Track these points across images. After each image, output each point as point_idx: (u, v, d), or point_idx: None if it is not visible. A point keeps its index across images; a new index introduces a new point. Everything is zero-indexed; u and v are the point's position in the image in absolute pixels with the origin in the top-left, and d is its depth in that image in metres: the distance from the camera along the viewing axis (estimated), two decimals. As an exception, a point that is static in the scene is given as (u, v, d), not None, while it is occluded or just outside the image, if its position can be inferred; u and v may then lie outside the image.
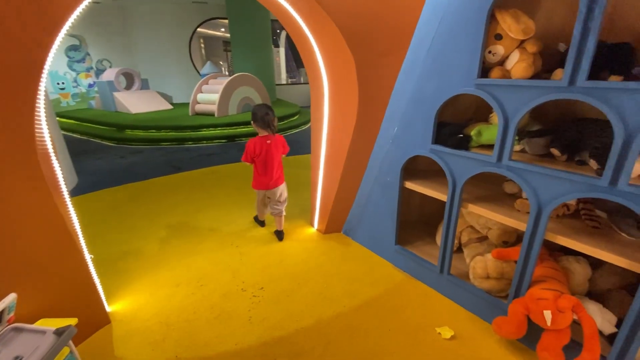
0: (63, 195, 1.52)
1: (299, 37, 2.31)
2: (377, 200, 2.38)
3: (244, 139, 6.20)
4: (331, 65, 2.23)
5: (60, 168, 1.52)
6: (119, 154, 5.44)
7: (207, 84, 7.49)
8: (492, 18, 1.50)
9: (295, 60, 15.81)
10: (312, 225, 2.91)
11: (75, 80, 8.85)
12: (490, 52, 1.55)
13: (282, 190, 2.65)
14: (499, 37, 1.51)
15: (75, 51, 8.65)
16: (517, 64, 1.47)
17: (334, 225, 2.75)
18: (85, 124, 7.40)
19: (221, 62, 17.22)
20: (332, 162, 2.54)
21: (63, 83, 8.55)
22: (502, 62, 1.57)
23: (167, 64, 9.45)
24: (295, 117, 7.73)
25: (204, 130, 6.25)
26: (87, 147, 5.99)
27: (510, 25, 1.44)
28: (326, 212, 2.69)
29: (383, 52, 2.05)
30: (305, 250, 2.56)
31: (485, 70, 1.58)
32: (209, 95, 7.13)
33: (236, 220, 3.03)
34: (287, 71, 15.70)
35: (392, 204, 2.21)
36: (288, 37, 14.95)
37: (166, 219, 3.08)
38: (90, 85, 9.03)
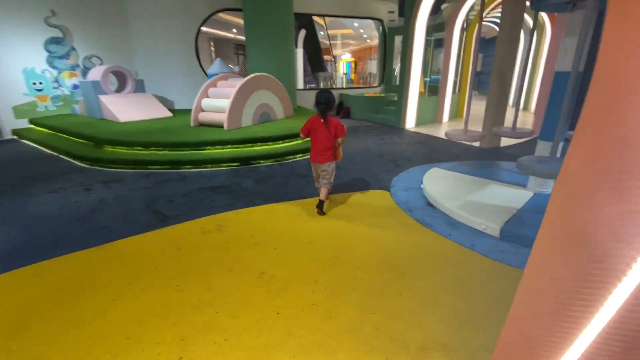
0: None
1: None
2: None
3: (262, 162, 4.51)
4: None
5: None
6: (86, 183, 3.79)
7: (214, 86, 5.86)
8: None
9: (311, 62, 14.27)
10: None
11: (56, 80, 7.32)
12: None
13: (326, 167, 2.91)
14: None
15: (57, 45, 7.13)
16: None
17: None
18: (61, 134, 5.82)
19: (232, 66, 15.77)
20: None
21: (41, 83, 7.02)
22: None
23: (170, 63, 7.91)
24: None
25: (209, 149, 4.59)
26: (50, 169, 4.37)
27: None
28: None
29: None
30: None
31: None
32: (217, 101, 5.49)
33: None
34: (305, 75, 14.14)
35: None
36: (305, 37, 13.38)
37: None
38: (75, 87, 7.49)
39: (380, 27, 10.85)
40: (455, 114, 8.75)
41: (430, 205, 3.07)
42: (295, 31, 12.91)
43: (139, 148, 4.58)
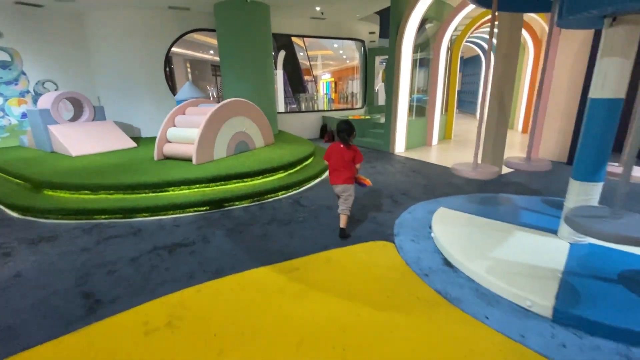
0: None
1: None
2: None
3: (237, 203, 3.80)
4: None
5: None
6: (7, 244, 2.94)
7: (183, 114, 5.17)
8: None
9: (291, 84, 13.86)
10: None
11: (2, 109, 6.41)
12: None
13: (344, 189, 2.96)
14: None
15: (3, 69, 6.27)
16: None
17: None
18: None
19: (210, 87, 15.17)
20: None
21: (-19, 112, 6.10)
22: None
23: (136, 87, 7.17)
24: (309, 160, 5.42)
25: (172, 190, 3.84)
26: (-34, 222, 3.47)
27: None
28: None
29: None
30: None
31: None
32: (184, 131, 4.79)
33: None
34: (286, 96, 13.69)
35: None
36: (285, 58, 13.00)
37: None
38: (23, 115, 6.59)
39: (362, 48, 10.59)
40: (443, 136, 8.39)
41: (448, 264, 2.45)
42: (274, 52, 12.54)
43: (86, 192, 3.78)
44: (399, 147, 6.85)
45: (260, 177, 4.28)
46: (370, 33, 10.58)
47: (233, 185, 4.07)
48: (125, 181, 3.80)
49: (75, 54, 7.08)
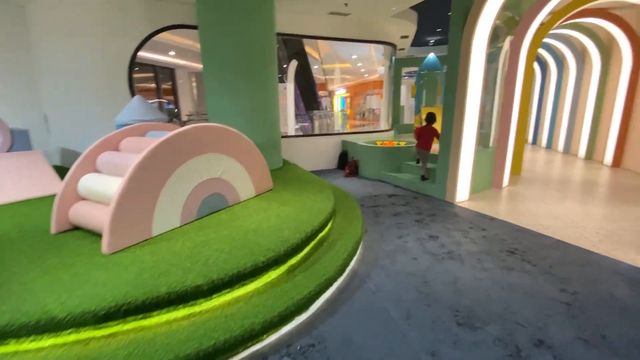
0: None
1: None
2: None
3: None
4: None
5: None
6: None
7: (116, 149, 3.07)
8: None
9: (304, 99, 11.83)
10: None
11: None
12: None
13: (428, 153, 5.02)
14: None
15: None
16: None
17: None
18: None
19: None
20: None
21: None
22: None
23: (92, 102, 5.23)
24: (326, 229, 3.17)
25: (26, 344, 1.67)
26: None
27: None
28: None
29: None
30: None
31: None
32: (107, 182, 2.66)
33: None
34: (298, 113, 11.67)
35: None
36: (297, 70, 11.04)
37: None
38: None
39: (392, 56, 8.49)
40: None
41: None
42: (284, 62, 10.62)
43: None
44: (462, 193, 4.56)
45: (227, 291, 2.06)
46: (403, 37, 8.51)
47: (163, 328, 1.85)
48: None
49: (13, 59, 5.20)
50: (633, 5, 5.97)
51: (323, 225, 2.96)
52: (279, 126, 5.38)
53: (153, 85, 9.32)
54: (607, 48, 7.09)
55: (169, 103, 10.30)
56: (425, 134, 4.99)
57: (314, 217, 2.93)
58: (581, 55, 7.98)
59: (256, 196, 3.61)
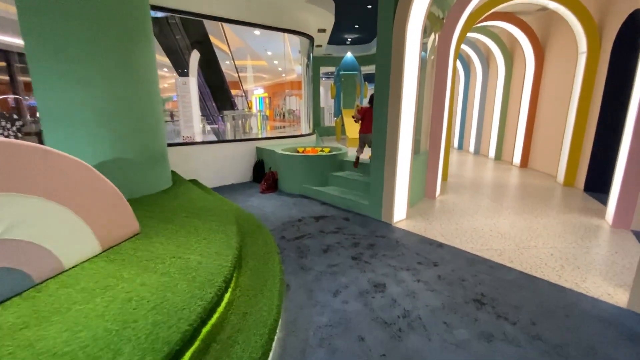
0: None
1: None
2: None
3: None
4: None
5: None
6: None
7: None
8: None
9: (215, 97, 10.25)
10: None
11: None
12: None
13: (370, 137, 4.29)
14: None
15: None
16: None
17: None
18: None
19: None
20: None
21: None
22: None
23: None
24: (216, 316, 1.98)
25: None
26: None
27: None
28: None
29: None
30: None
31: None
32: None
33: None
34: (208, 113, 9.96)
35: None
36: (202, 64, 9.39)
37: None
38: None
39: (309, 52, 7.59)
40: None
41: None
42: (186, 51, 8.84)
43: None
44: (399, 211, 3.82)
45: None
46: (320, 31, 7.69)
47: None
48: None
49: None
50: (536, 12, 6.21)
51: (214, 307, 1.75)
52: (163, 131, 3.89)
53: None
54: (510, 52, 7.44)
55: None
56: (368, 116, 4.61)
57: (198, 295, 1.69)
58: (486, 59, 8.34)
59: (102, 253, 2.18)
